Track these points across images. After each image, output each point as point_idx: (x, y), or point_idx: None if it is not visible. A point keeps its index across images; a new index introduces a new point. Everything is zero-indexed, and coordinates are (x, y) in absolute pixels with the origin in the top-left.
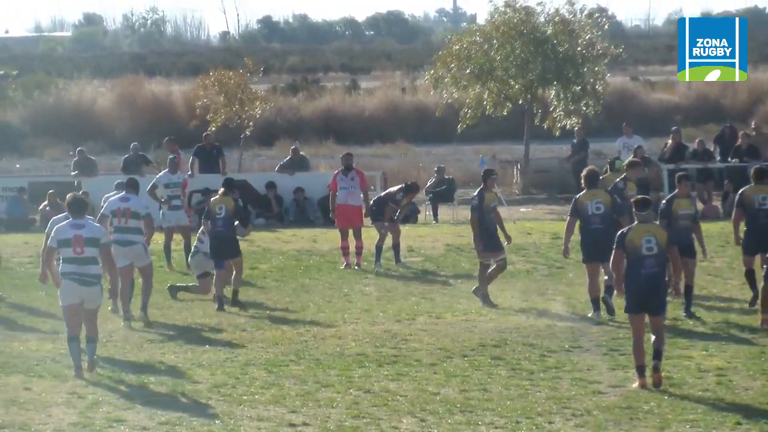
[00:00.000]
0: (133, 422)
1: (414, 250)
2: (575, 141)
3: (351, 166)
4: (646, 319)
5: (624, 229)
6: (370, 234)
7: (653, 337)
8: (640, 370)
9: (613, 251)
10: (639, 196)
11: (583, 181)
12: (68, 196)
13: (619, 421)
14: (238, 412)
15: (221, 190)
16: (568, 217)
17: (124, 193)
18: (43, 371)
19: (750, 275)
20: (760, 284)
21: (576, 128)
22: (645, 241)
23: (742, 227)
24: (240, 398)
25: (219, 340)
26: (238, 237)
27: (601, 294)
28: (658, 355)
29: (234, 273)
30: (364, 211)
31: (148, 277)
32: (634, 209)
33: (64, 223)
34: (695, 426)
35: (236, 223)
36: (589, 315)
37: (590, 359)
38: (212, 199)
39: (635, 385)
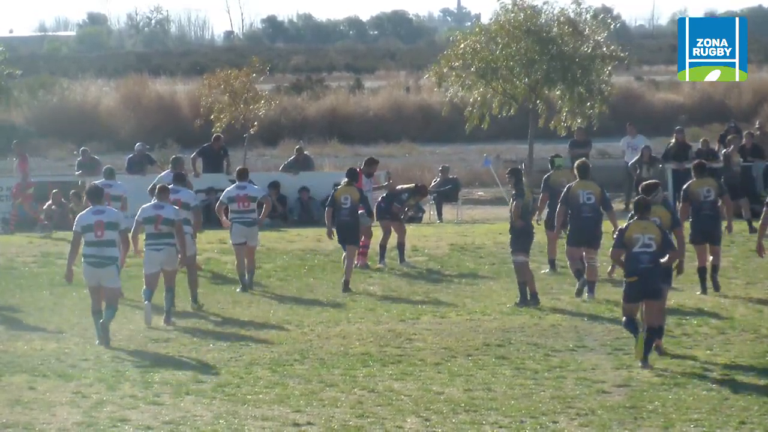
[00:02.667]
0: (137, 422)
1: (418, 249)
2: (575, 139)
3: (372, 174)
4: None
5: (623, 226)
6: (375, 233)
7: (648, 321)
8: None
9: (612, 247)
10: (638, 197)
11: (575, 171)
12: (87, 187)
13: (623, 420)
14: (242, 411)
15: (345, 180)
16: (559, 205)
17: (173, 185)
18: (48, 371)
19: (702, 272)
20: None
21: (577, 127)
22: (643, 237)
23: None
24: (244, 398)
25: (223, 339)
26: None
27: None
28: (660, 333)
29: (347, 259)
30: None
31: (192, 267)
32: (634, 211)
33: (86, 210)
34: (699, 425)
35: (361, 212)
36: (577, 294)
37: (594, 359)
38: (338, 188)
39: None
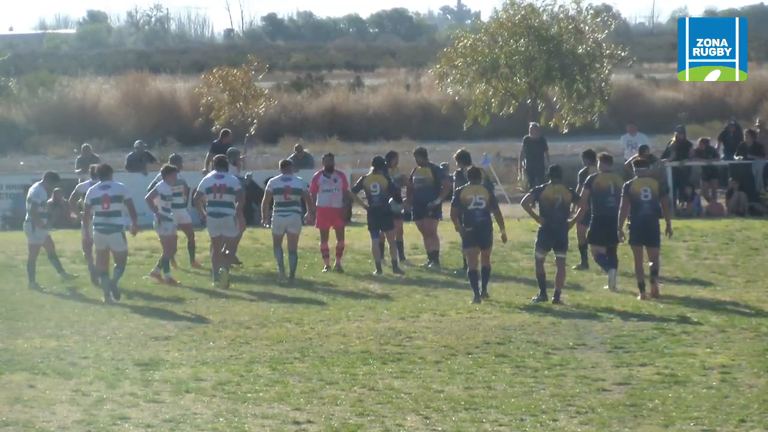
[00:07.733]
0: (137, 420)
1: (418, 247)
2: (529, 137)
3: (332, 167)
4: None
5: (628, 181)
6: (364, 235)
7: (650, 264)
8: (641, 286)
9: (621, 198)
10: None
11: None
12: (98, 164)
13: (623, 418)
14: (242, 409)
15: (372, 168)
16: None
17: (215, 171)
18: (48, 368)
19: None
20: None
21: (531, 124)
22: (642, 190)
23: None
24: (244, 396)
25: (223, 337)
26: (393, 211)
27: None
28: (654, 272)
29: (389, 244)
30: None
31: (232, 247)
32: (633, 167)
33: (95, 185)
34: (699, 423)
35: (391, 199)
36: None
37: (594, 356)
38: (366, 176)
39: (638, 297)
